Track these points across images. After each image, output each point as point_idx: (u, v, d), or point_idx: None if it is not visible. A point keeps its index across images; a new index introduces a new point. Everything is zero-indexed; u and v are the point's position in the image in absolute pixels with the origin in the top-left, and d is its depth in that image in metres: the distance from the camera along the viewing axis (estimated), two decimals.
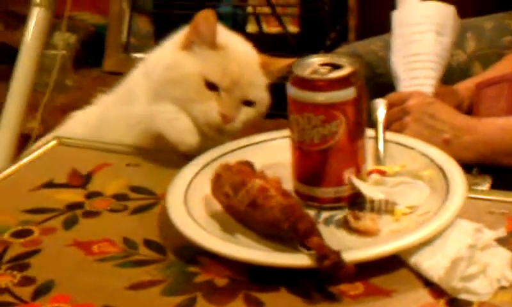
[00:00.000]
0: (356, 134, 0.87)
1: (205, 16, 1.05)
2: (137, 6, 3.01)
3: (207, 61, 1.05)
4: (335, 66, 0.87)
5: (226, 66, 1.05)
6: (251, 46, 1.12)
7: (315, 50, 2.38)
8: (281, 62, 1.09)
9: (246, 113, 1.05)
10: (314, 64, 0.88)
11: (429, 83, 1.27)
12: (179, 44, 1.08)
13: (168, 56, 1.09)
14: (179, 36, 1.10)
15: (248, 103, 1.06)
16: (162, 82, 1.07)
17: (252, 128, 1.08)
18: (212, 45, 1.05)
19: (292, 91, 0.87)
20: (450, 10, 1.32)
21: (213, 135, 1.03)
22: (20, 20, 2.41)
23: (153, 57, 1.12)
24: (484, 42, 1.52)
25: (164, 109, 1.05)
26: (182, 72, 1.05)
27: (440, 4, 1.32)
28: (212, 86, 1.04)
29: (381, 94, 1.22)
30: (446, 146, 1.16)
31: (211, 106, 1.03)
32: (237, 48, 1.08)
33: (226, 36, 1.09)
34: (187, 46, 1.06)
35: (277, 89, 1.14)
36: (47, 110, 2.31)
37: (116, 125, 1.12)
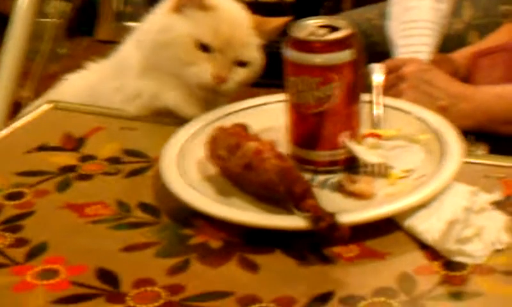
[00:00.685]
0: (352, 97, 0.87)
1: None
2: None
3: (198, 23, 1.04)
4: (333, 28, 0.87)
5: (217, 26, 1.04)
6: (242, 6, 1.11)
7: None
8: (274, 22, 1.09)
9: (240, 73, 1.05)
10: (311, 26, 0.87)
11: (425, 50, 1.26)
12: (170, 7, 1.07)
13: (159, 20, 1.08)
14: (170, 0, 1.09)
15: (241, 63, 1.06)
16: (154, 47, 1.06)
17: (245, 96, 1.07)
18: (203, 6, 1.04)
19: (288, 53, 0.86)
20: None
21: (207, 96, 1.02)
22: None
23: (145, 26, 1.12)
24: (481, 10, 1.51)
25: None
26: (173, 35, 1.04)
27: None
28: (204, 47, 1.04)
29: (377, 63, 1.21)
30: (442, 113, 1.15)
31: (204, 67, 1.03)
32: (228, 8, 1.08)
33: None
34: (178, 9, 1.06)
35: (269, 56, 1.14)
36: (39, 78, 2.30)
37: (111, 98, 1.11)
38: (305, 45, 0.85)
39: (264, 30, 1.08)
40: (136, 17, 2.88)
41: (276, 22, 1.09)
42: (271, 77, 1.20)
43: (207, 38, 1.03)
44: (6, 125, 1.97)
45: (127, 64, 1.10)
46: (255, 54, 1.07)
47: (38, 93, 2.13)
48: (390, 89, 1.20)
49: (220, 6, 1.06)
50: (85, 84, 1.17)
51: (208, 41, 1.03)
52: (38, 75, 2.29)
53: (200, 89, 1.03)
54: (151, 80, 1.07)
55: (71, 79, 1.22)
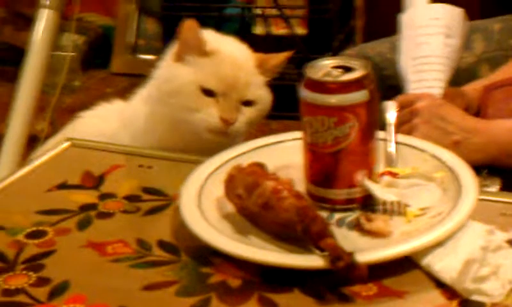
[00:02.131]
0: (368, 136, 0.88)
1: (187, 27, 1.07)
2: (145, 8, 3.02)
3: (201, 69, 1.06)
4: (347, 69, 0.88)
5: (220, 70, 1.07)
6: (244, 47, 1.13)
7: (322, 52, 2.39)
8: (276, 59, 1.11)
9: (247, 113, 1.07)
10: (326, 66, 0.89)
11: (437, 85, 1.27)
12: (172, 57, 1.09)
13: (164, 72, 1.11)
14: (171, 52, 1.12)
15: (248, 103, 1.07)
16: (161, 97, 1.08)
17: (259, 131, 1.09)
18: (203, 52, 1.07)
19: (304, 93, 0.88)
20: (458, 12, 1.32)
21: (217, 140, 1.03)
22: (28, 22, 2.41)
23: (153, 81, 1.14)
24: (492, 44, 1.53)
25: None
26: (177, 83, 1.07)
27: (448, 6, 1.32)
28: (209, 93, 1.06)
29: (389, 97, 1.22)
30: (455, 147, 1.17)
31: (211, 112, 1.05)
32: (229, 51, 1.10)
33: (217, 40, 1.10)
34: (180, 57, 1.08)
35: (281, 90, 1.15)
36: (55, 111, 2.32)
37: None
38: (320, 86, 0.86)
39: (266, 67, 1.10)
40: (150, 50, 2.92)
41: (278, 57, 1.11)
42: (281, 109, 1.21)
43: (211, 83, 1.05)
44: (22, 157, 2.02)
45: (135, 119, 1.12)
46: (260, 92, 1.09)
47: (54, 125, 2.16)
48: (403, 124, 1.21)
49: (221, 49, 1.08)
50: (97, 127, 1.19)
51: (212, 86, 1.05)
52: (53, 107, 2.31)
53: (209, 133, 1.05)
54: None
55: (85, 118, 1.24)
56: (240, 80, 1.07)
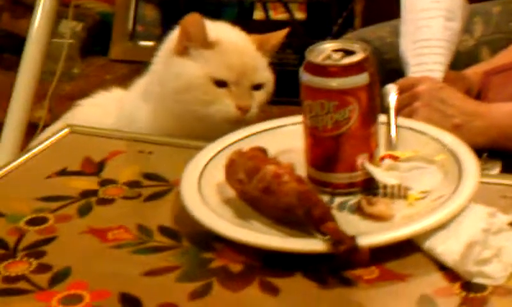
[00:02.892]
0: (369, 120, 0.88)
1: (191, 20, 1.06)
2: None
3: (208, 61, 1.06)
4: (348, 52, 0.88)
5: (227, 59, 1.06)
6: (239, 31, 1.13)
7: (322, 37, 2.38)
8: (275, 37, 1.12)
9: (259, 97, 1.07)
10: (327, 50, 0.88)
11: (438, 68, 1.27)
12: (174, 52, 1.08)
13: (170, 66, 1.09)
14: (166, 48, 1.10)
15: (257, 87, 1.08)
16: (167, 93, 1.07)
17: (259, 116, 1.09)
18: (207, 44, 1.07)
19: (305, 77, 0.87)
20: None
21: (233, 129, 1.04)
22: (27, 9, 2.41)
23: (149, 77, 1.14)
24: (492, 27, 1.52)
25: None
26: (188, 78, 1.06)
27: None
28: (221, 83, 1.06)
29: (390, 80, 1.22)
30: (456, 130, 1.16)
31: (226, 103, 1.05)
32: (230, 39, 1.10)
33: (215, 29, 1.09)
34: (183, 52, 1.08)
35: (281, 75, 1.15)
36: (54, 98, 2.32)
37: None
38: (321, 69, 0.86)
39: (267, 48, 1.11)
40: (149, 36, 2.91)
41: (276, 36, 1.12)
42: (282, 95, 1.21)
43: (222, 73, 1.05)
44: (22, 144, 2.01)
45: (135, 118, 1.12)
46: (266, 74, 1.10)
47: (53, 113, 2.15)
48: (403, 108, 1.21)
49: (222, 39, 1.08)
50: (96, 118, 1.18)
51: (224, 76, 1.05)
52: (51, 95, 2.30)
53: (226, 123, 1.05)
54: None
55: (84, 106, 1.24)
56: (248, 65, 1.08)
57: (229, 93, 1.06)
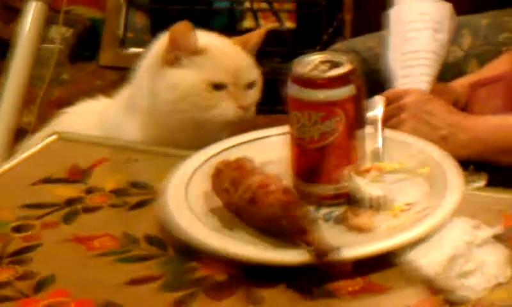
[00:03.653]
0: (354, 131, 0.88)
1: (181, 29, 1.07)
2: (133, 1, 3.01)
3: (202, 67, 1.07)
4: (334, 64, 0.88)
5: (221, 62, 1.07)
6: (219, 35, 1.15)
7: (311, 46, 2.39)
8: (256, 36, 1.14)
9: (254, 95, 1.09)
10: (313, 62, 0.89)
11: (425, 80, 1.28)
12: (165, 62, 1.08)
13: (153, 80, 1.09)
14: (152, 57, 1.10)
15: (250, 85, 1.09)
16: (169, 105, 1.08)
17: (246, 125, 1.10)
18: (197, 51, 1.07)
19: (292, 89, 0.88)
20: (446, 7, 1.32)
21: (235, 130, 1.04)
22: (17, 14, 2.40)
23: (133, 90, 1.14)
24: (480, 39, 1.53)
25: None
26: (184, 87, 1.07)
27: (437, 1, 1.33)
28: (218, 86, 1.06)
29: (378, 91, 1.22)
30: (442, 142, 1.17)
31: (227, 105, 1.06)
32: (216, 43, 1.11)
33: (200, 37, 1.10)
34: (174, 61, 1.08)
35: (270, 84, 1.16)
36: (43, 104, 2.31)
37: None
38: (308, 81, 0.86)
39: (250, 47, 1.12)
40: (139, 43, 2.90)
41: (257, 34, 1.14)
42: (272, 103, 1.22)
43: (219, 76, 1.06)
44: (10, 150, 2.01)
45: (120, 131, 1.12)
46: (257, 71, 1.12)
47: (42, 118, 2.15)
48: (390, 119, 1.21)
49: (209, 44, 1.09)
50: (82, 125, 1.18)
51: (222, 78, 1.06)
52: (40, 100, 2.30)
53: (229, 125, 1.05)
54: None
55: (70, 114, 1.24)
56: (241, 65, 1.09)
57: (228, 94, 1.07)
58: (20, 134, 2.10)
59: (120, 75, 2.69)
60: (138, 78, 1.14)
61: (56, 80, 2.64)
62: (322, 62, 0.89)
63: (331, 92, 0.86)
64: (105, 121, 1.17)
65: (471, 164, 1.21)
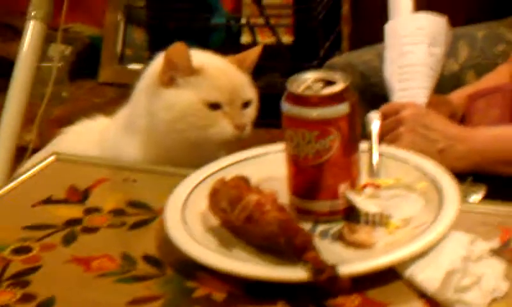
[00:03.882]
0: (350, 148, 0.89)
1: (177, 50, 1.08)
2: (132, 18, 3.02)
3: (198, 87, 1.07)
4: (328, 82, 0.89)
5: (217, 82, 1.08)
6: (215, 54, 1.15)
7: (309, 60, 2.40)
8: (252, 54, 1.15)
9: (250, 114, 1.10)
10: (308, 80, 0.89)
11: (422, 94, 1.28)
12: (160, 83, 1.09)
13: (150, 100, 1.10)
14: (149, 77, 1.11)
15: (246, 104, 1.09)
16: (163, 125, 1.08)
17: (246, 142, 1.10)
18: (192, 71, 1.08)
19: (286, 107, 0.88)
20: (442, 21, 1.33)
21: (231, 150, 1.05)
22: (16, 33, 2.42)
23: (132, 110, 1.14)
24: (477, 51, 1.53)
25: None
26: (180, 107, 1.07)
27: (432, 15, 1.33)
28: (214, 106, 1.07)
29: (375, 105, 1.23)
30: (440, 155, 1.18)
31: (223, 124, 1.07)
32: (212, 62, 1.12)
33: (195, 57, 1.11)
34: (170, 82, 1.09)
35: (268, 99, 1.17)
36: (43, 122, 2.32)
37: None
38: (302, 100, 0.87)
39: (245, 66, 1.13)
40: (138, 60, 2.91)
41: (253, 53, 1.15)
42: (270, 117, 1.23)
43: (215, 96, 1.07)
44: (11, 169, 2.01)
45: (119, 152, 1.13)
46: (253, 89, 1.12)
47: (42, 137, 2.16)
48: (387, 133, 1.22)
49: (205, 64, 1.09)
50: (81, 145, 1.19)
51: (217, 98, 1.07)
52: (40, 119, 2.31)
53: (225, 144, 1.06)
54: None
55: (69, 134, 1.24)
56: (237, 84, 1.10)
57: (224, 114, 1.08)
58: (20, 152, 2.11)
59: (119, 91, 2.70)
60: (136, 98, 1.14)
61: (56, 98, 2.65)
62: (317, 80, 0.89)
63: (324, 110, 0.86)
64: (104, 140, 1.18)
65: (469, 176, 1.21)
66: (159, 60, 1.12)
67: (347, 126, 0.87)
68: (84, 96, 2.87)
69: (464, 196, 0.89)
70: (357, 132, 0.90)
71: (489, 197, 1.19)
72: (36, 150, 1.41)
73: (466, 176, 1.21)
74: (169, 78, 1.08)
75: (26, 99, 2.17)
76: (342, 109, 0.86)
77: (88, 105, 2.65)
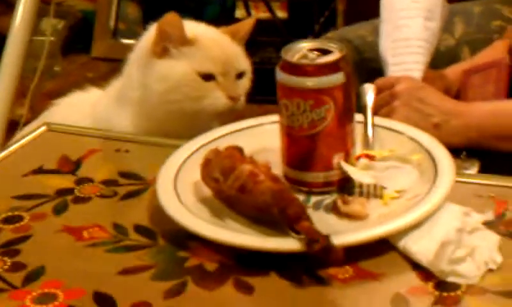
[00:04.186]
0: (345, 119, 0.88)
1: (170, 20, 1.07)
2: None
3: (192, 57, 1.06)
4: (324, 51, 0.88)
5: (210, 52, 1.07)
6: (208, 25, 1.14)
7: (303, 35, 2.39)
8: (245, 26, 1.14)
9: (244, 84, 1.09)
10: (303, 49, 0.88)
11: (417, 68, 1.27)
12: (153, 53, 1.08)
13: (143, 71, 1.09)
14: (142, 48, 1.10)
15: (240, 75, 1.09)
16: (157, 96, 1.07)
17: (239, 115, 1.09)
18: (186, 41, 1.07)
19: (281, 76, 0.87)
20: None
21: (225, 121, 1.04)
22: (8, 7, 2.39)
23: (124, 81, 1.13)
24: (473, 26, 1.53)
25: None
26: (174, 78, 1.06)
27: None
28: (207, 77, 1.06)
29: (370, 79, 1.22)
30: (435, 130, 1.17)
31: (217, 95, 1.06)
32: (205, 33, 1.11)
33: (188, 27, 1.09)
34: (163, 52, 1.07)
35: (262, 74, 1.16)
36: (35, 96, 2.31)
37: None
38: (297, 69, 0.86)
39: (239, 37, 1.12)
40: (131, 34, 2.90)
41: (245, 25, 1.14)
42: (264, 93, 1.22)
43: (208, 66, 1.06)
44: (2, 142, 2.00)
45: (111, 123, 1.11)
46: (246, 60, 1.11)
47: (34, 111, 2.14)
48: (382, 107, 1.21)
49: (198, 34, 1.08)
50: (73, 116, 1.18)
51: (211, 69, 1.06)
52: (32, 93, 2.29)
53: (219, 116, 1.05)
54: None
55: (61, 106, 1.23)
56: (230, 55, 1.09)
57: (217, 85, 1.07)
58: (12, 126, 2.09)
59: (112, 66, 2.68)
60: (128, 70, 1.13)
61: (48, 73, 2.63)
62: (312, 49, 0.88)
63: (320, 79, 0.85)
64: (96, 113, 1.17)
65: (463, 151, 1.21)
66: (151, 31, 1.11)
67: (343, 96, 0.86)
68: (77, 71, 2.86)
69: (458, 171, 0.89)
70: (352, 103, 0.89)
71: (482, 172, 1.19)
72: (27, 124, 1.40)
73: (460, 151, 1.20)
74: (162, 49, 1.07)
75: (18, 73, 2.15)
76: (338, 78, 0.86)
77: (80, 80, 2.64)
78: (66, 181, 0.97)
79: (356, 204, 0.85)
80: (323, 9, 2.60)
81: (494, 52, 1.41)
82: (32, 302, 0.77)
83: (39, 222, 0.90)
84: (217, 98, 1.06)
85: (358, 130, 0.93)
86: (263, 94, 1.31)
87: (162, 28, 1.07)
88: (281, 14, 2.67)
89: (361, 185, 0.88)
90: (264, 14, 2.61)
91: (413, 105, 1.21)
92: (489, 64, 1.34)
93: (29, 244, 0.86)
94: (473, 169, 1.19)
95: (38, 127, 1.12)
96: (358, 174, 0.88)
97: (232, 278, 0.79)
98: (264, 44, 2.43)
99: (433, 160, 0.89)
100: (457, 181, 0.87)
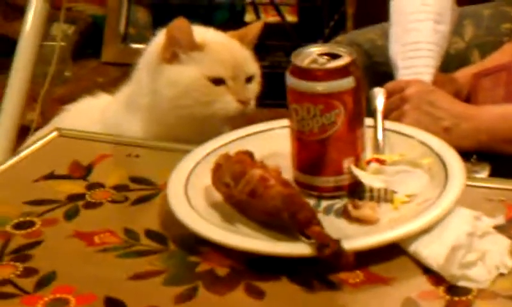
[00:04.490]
0: (355, 123, 0.88)
1: (179, 25, 1.07)
2: None
3: (201, 62, 1.07)
4: (334, 56, 0.88)
5: (219, 57, 1.07)
6: (217, 30, 1.14)
7: (313, 39, 2.39)
8: (253, 29, 1.14)
9: (254, 88, 1.09)
10: (313, 54, 0.88)
11: (427, 71, 1.27)
12: (162, 59, 1.08)
13: (152, 77, 1.09)
14: (150, 54, 1.10)
15: (249, 79, 1.09)
16: (166, 102, 1.07)
17: (250, 119, 1.09)
18: (195, 46, 1.07)
19: (291, 81, 0.87)
20: None
21: (235, 125, 1.04)
22: (19, 12, 2.40)
23: (133, 87, 1.14)
24: (483, 29, 1.52)
25: None
26: (184, 83, 1.07)
27: None
28: (218, 81, 1.06)
29: (380, 83, 1.22)
30: (445, 133, 1.17)
31: (227, 99, 1.06)
32: (214, 38, 1.11)
33: (197, 32, 1.10)
34: (172, 58, 1.08)
35: (272, 78, 1.16)
36: (45, 101, 2.31)
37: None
38: (307, 73, 0.86)
39: (247, 40, 1.12)
40: (141, 39, 2.90)
41: (253, 29, 1.14)
42: (274, 97, 1.22)
43: (218, 71, 1.06)
44: (13, 148, 2.01)
45: (121, 129, 1.12)
46: (256, 64, 1.12)
47: (45, 116, 2.15)
48: (392, 111, 1.21)
49: (207, 39, 1.09)
50: (82, 122, 1.18)
51: (221, 73, 1.06)
52: (43, 98, 2.30)
53: (229, 120, 1.05)
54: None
55: (71, 111, 1.24)
56: (240, 59, 1.09)
57: (227, 89, 1.07)
58: (23, 132, 2.10)
59: (122, 71, 2.68)
60: (138, 76, 1.13)
61: (59, 78, 2.64)
62: (321, 54, 0.88)
63: (330, 84, 0.85)
64: (106, 118, 1.17)
65: (473, 155, 1.21)
66: (160, 37, 1.11)
67: (353, 100, 0.86)
68: (87, 76, 2.87)
69: (469, 175, 0.89)
70: (362, 107, 0.89)
71: (493, 176, 1.18)
72: (38, 129, 1.41)
73: (471, 154, 1.20)
74: (171, 55, 1.07)
75: (29, 78, 2.16)
76: (348, 82, 0.86)
77: (90, 85, 2.64)
78: (77, 187, 0.98)
79: (366, 209, 0.85)
80: (333, 12, 2.60)
81: (504, 55, 1.41)
82: None
83: (50, 227, 0.90)
84: (227, 102, 1.07)
85: (368, 134, 0.93)
86: (273, 99, 1.31)
87: (171, 33, 1.07)
88: (290, 18, 2.66)
89: (371, 190, 0.88)
90: (273, 18, 2.61)
91: (423, 108, 1.21)
92: (499, 67, 1.34)
93: (40, 249, 0.86)
94: (484, 173, 1.19)
95: (49, 132, 1.12)
96: (369, 178, 0.88)
97: (243, 283, 0.79)
98: (274, 48, 2.43)
99: (444, 164, 0.89)
100: (467, 185, 0.87)
